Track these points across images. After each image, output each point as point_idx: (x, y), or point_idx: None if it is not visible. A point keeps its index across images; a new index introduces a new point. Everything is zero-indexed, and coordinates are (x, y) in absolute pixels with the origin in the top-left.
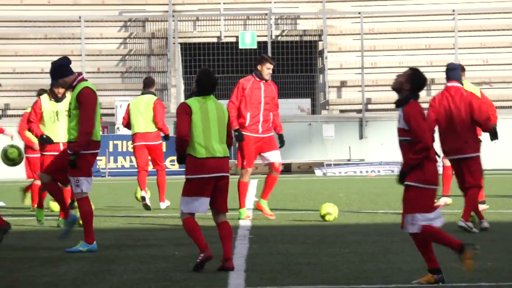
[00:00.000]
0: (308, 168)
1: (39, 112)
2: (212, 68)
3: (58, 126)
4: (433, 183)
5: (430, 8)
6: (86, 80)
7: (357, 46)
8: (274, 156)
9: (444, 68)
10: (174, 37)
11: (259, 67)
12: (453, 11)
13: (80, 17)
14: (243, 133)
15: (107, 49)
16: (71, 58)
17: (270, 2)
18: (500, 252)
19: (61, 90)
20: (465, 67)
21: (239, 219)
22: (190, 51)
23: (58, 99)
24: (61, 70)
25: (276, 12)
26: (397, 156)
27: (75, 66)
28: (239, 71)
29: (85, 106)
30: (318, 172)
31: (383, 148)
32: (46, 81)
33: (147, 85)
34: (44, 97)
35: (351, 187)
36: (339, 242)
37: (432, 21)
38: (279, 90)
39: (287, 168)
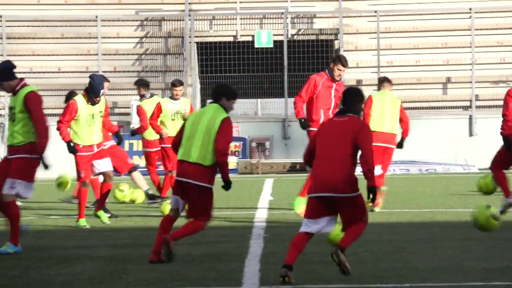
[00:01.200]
0: None
1: (74, 115)
2: (228, 67)
3: (94, 129)
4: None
5: (446, 6)
6: (29, 85)
7: (373, 45)
8: None
9: (460, 67)
10: (190, 36)
11: (331, 66)
12: (470, 9)
13: (96, 17)
14: (315, 129)
15: (124, 49)
16: (87, 57)
17: (286, 1)
18: None
19: (99, 98)
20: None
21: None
22: (206, 50)
23: (94, 102)
24: (7, 73)
25: (292, 11)
26: (413, 155)
27: (91, 66)
28: (255, 70)
29: (36, 109)
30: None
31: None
32: (63, 80)
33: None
34: (80, 100)
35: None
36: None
37: (448, 19)
38: (295, 90)
39: (302, 167)
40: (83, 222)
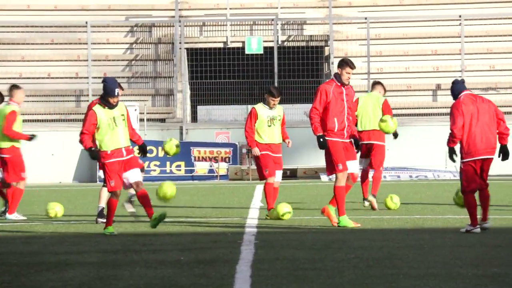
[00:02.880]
0: (314, 174)
1: (94, 124)
2: (219, 73)
3: (118, 132)
4: None
5: (436, 13)
6: None
7: (363, 52)
8: (353, 166)
9: (450, 74)
10: (180, 42)
11: (339, 71)
12: (460, 16)
13: (86, 22)
14: (332, 139)
15: (114, 54)
16: (77, 63)
17: (277, 8)
18: (506, 258)
19: (116, 100)
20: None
21: (343, 226)
22: (197, 56)
23: (111, 105)
24: None
25: (282, 18)
26: (403, 161)
27: (81, 72)
28: (246, 76)
29: None
30: (324, 178)
31: (388, 153)
32: (52, 86)
33: None
34: (97, 108)
35: (357, 192)
36: (345, 248)
37: (438, 26)
38: (285, 96)
39: (292, 173)
40: (110, 229)
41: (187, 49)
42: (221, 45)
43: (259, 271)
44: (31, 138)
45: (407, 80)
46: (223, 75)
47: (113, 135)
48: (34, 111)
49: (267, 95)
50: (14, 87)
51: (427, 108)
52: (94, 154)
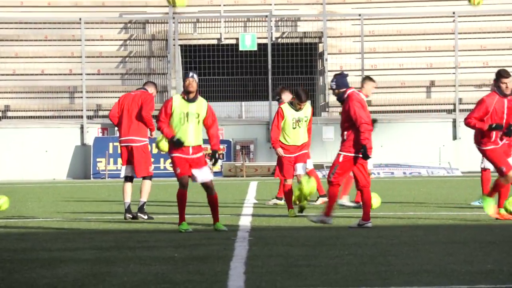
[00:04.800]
0: None
1: (169, 112)
2: (212, 70)
3: (188, 128)
4: None
5: (430, 10)
6: None
7: (357, 48)
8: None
9: (444, 70)
10: (174, 39)
11: (497, 82)
12: (453, 13)
13: (80, 19)
14: (491, 147)
15: (107, 51)
16: (71, 59)
17: (270, 4)
18: (500, 254)
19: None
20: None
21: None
22: (190, 53)
23: (190, 99)
24: None
25: (276, 14)
26: (397, 158)
27: (75, 68)
28: (239, 73)
29: None
30: (318, 174)
31: (383, 150)
32: (46, 82)
33: None
34: (177, 97)
35: (351, 189)
36: (339, 244)
37: (432, 23)
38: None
39: None
40: (185, 225)
41: (181, 45)
42: (215, 42)
43: (253, 268)
44: None
45: (401, 76)
46: (217, 71)
47: (180, 131)
48: (28, 107)
49: (293, 98)
50: None
51: (421, 104)
52: (178, 143)
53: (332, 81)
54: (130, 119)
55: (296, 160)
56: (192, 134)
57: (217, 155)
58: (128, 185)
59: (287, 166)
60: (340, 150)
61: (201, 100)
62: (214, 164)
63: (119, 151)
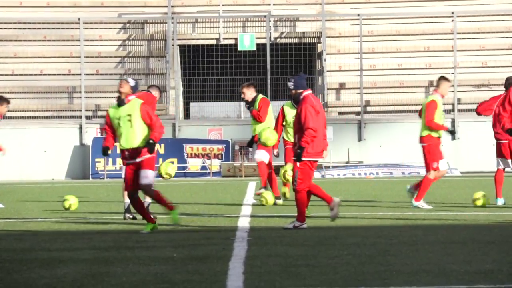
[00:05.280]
0: None
1: (109, 123)
2: (211, 70)
3: (122, 132)
4: None
5: (429, 10)
6: None
7: (356, 48)
8: None
9: (443, 70)
10: (173, 39)
11: None
12: (452, 13)
13: (79, 19)
14: None
15: (106, 51)
16: (70, 59)
17: (269, 4)
18: (499, 254)
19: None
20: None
21: None
22: (189, 53)
23: (121, 103)
24: None
25: (275, 14)
26: (396, 158)
27: (74, 68)
28: (238, 73)
29: None
30: (316, 174)
31: (381, 150)
32: (45, 83)
33: None
34: (110, 107)
35: (350, 189)
36: (338, 244)
37: (431, 23)
38: (277, 93)
39: None
40: (148, 227)
41: (179, 45)
42: (213, 42)
43: (252, 268)
44: None
45: (399, 76)
46: (216, 71)
47: (118, 137)
48: (27, 107)
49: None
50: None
51: (419, 105)
52: (103, 153)
53: (290, 81)
54: None
55: None
56: (124, 137)
57: (150, 142)
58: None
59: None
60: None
61: (134, 102)
62: (149, 152)
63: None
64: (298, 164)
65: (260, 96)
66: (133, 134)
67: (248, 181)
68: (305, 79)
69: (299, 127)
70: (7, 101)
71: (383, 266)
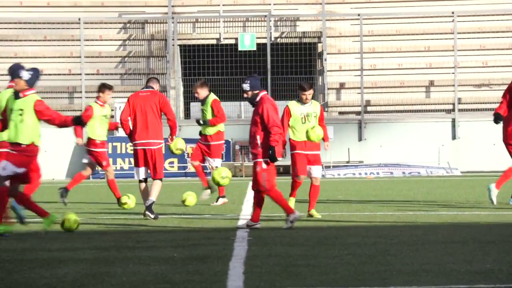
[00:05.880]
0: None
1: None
2: (211, 70)
3: (11, 125)
4: None
5: (429, 10)
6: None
7: (356, 48)
8: None
9: (443, 70)
10: (173, 39)
11: None
12: (453, 13)
13: (79, 19)
14: None
15: (107, 51)
16: (70, 59)
17: (270, 4)
18: (499, 254)
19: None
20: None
21: None
22: (190, 53)
23: (17, 96)
24: None
25: (275, 14)
26: (396, 158)
27: (74, 68)
28: (239, 72)
29: None
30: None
31: (382, 150)
32: (45, 83)
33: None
34: (8, 91)
35: (350, 189)
36: (338, 244)
37: (431, 23)
38: (278, 92)
39: (285, 170)
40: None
41: (180, 45)
42: (214, 42)
43: (252, 268)
44: None
45: (400, 76)
46: (216, 71)
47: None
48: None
49: (298, 90)
50: None
51: (420, 104)
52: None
53: (245, 82)
54: (145, 121)
55: (309, 160)
56: (12, 130)
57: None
58: (145, 186)
59: (300, 163)
60: (258, 158)
61: (29, 98)
62: (79, 122)
63: (129, 151)
64: (264, 165)
65: (212, 96)
66: (21, 130)
67: (249, 181)
68: (259, 80)
69: (262, 127)
70: (109, 87)
71: (383, 266)
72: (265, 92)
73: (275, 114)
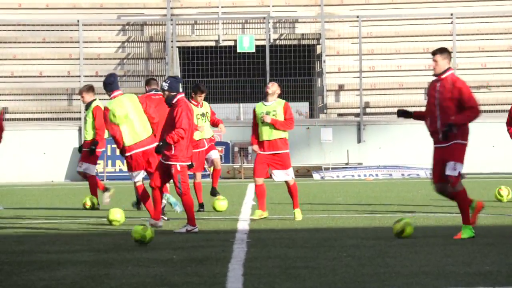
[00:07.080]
0: (306, 172)
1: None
2: (210, 72)
3: None
4: None
5: (428, 11)
6: None
7: (355, 50)
8: None
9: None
10: (172, 41)
11: None
12: (451, 14)
13: (78, 21)
14: None
15: (105, 53)
16: (69, 61)
17: (268, 6)
18: (497, 256)
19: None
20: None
21: None
22: (188, 54)
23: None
24: None
25: (274, 16)
26: (395, 160)
27: (73, 70)
28: (238, 74)
29: None
30: (316, 176)
31: (381, 152)
32: (44, 84)
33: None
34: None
35: (349, 191)
36: (337, 246)
37: (430, 24)
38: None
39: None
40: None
41: (179, 47)
42: (213, 44)
43: (251, 270)
44: None
45: (399, 78)
46: (215, 73)
47: None
48: (26, 109)
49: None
50: None
51: (419, 106)
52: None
53: (165, 82)
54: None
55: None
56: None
57: None
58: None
59: (258, 165)
60: (172, 161)
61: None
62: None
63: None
64: (178, 167)
65: (97, 102)
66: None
67: (248, 183)
68: (180, 82)
69: (169, 126)
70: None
71: (382, 267)
72: (183, 95)
73: (187, 120)
